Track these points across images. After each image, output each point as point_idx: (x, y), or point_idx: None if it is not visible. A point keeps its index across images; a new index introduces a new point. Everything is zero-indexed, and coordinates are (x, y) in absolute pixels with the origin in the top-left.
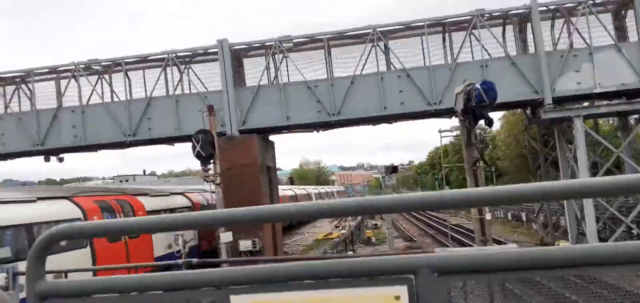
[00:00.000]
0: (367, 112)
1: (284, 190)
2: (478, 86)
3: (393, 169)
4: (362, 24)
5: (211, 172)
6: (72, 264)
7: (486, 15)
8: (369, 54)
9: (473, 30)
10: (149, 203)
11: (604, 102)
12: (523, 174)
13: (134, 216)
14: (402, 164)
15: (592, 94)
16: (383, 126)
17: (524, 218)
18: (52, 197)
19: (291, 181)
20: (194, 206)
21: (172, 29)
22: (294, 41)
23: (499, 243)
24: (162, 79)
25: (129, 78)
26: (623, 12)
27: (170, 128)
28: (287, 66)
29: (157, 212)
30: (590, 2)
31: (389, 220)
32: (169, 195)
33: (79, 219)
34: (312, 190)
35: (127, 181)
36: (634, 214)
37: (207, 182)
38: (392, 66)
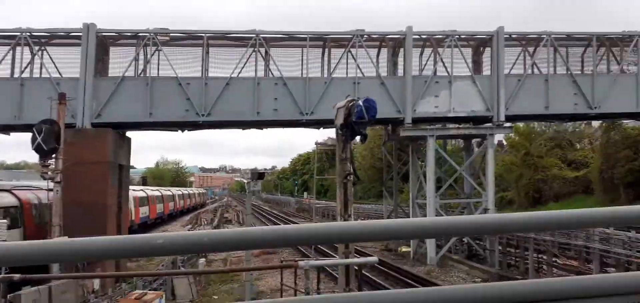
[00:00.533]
0: (239, 116)
1: (135, 191)
2: (361, 102)
3: (259, 175)
4: (243, 28)
5: (52, 168)
6: None
7: (365, 36)
8: (248, 58)
9: (351, 49)
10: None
11: (454, 126)
12: (374, 183)
13: None
14: (266, 169)
15: (445, 117)
16: (250, 130)
17: None
18: None
19: (144, 181)
20: (23, 207)
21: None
22: (172, 34)
23: (361, 253)
24: (8, 58)
25: None
26: (481, 49)
27: (8, 114)
28: (158, 60)
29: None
30: (456, 36)
31: (248, 224)
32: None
33: None
34: (166, 191)
35: None
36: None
37: (45, 179)
38: (270, 73)
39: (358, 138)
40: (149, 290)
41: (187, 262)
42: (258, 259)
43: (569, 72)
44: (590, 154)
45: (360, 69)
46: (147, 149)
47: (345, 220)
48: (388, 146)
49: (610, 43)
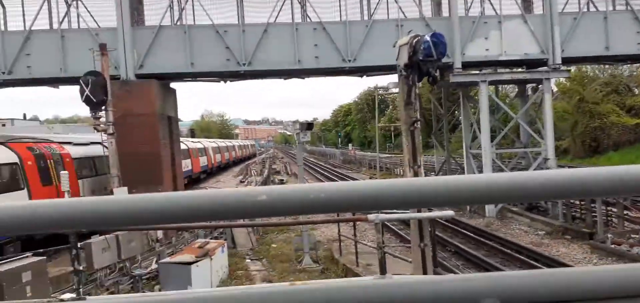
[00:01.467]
0: (280, 65)
1: (194, 143)
2: (427, 38)
3: (308, 125)
4: None
5: (103, 120)
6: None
7: None
8: (284, 3)
9: None
10: (74, 151)
11: (507, 70)
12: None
13: (63, 163)
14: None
15: (496, 61)
16: (292, 81)
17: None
18: None
19: (192, 133)
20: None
21: None
22: None
23: None
24: (44, 10)
25: (3, 5)
26: None
27: (54, 67)
28: (193, 7)
29: (82, 160)
30: None
31: (301, 176)
32: (89, 144)
33: (15, 163)
34: (221, 143)
35: (4, 125)
36: None
37: (98, 131)
38: (307, 18)
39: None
40: (211, 238)
41: None
42: None
43: (629, 8)
44: None
45: (402, 11)
46: (190, 101)
47: (415, 172)
48: (435, 93)
49: None
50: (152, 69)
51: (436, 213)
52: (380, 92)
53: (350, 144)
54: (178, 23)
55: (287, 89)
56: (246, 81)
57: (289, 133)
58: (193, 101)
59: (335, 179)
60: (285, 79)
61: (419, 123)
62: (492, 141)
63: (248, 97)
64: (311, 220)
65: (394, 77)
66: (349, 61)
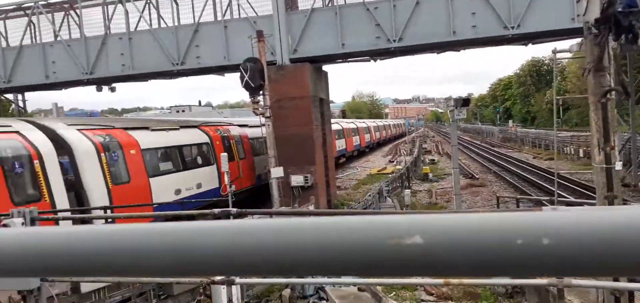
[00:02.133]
0: (433, 38)
1: (348, 124)
2: None
3: (464, 102)
4: None
5: (261, 104)
6: None
7: None
8: None
9: None
10: (250, 132)
11: None
12: (582, 107)
13: (242, 143)
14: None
15: None
16: (443, 56)
17: (581, 154)
18: (187, 126)
19: (343, 114)
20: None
21: None
22: None
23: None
24: (209, 4)
25: (176, 2)
26: None
27: (219, 56)
28: None
29: (254, 140)
30: None
31: (455, 157)
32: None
33: (206, 143)
34: (371, 123)
35: (183, 111)
36: None
37: (256, 114)
38: None
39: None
40: None
41: (392, 193)
42: (466, 192)
43: None
44: None
45: None
46: (342, 83)
47: (606, 154)
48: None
49: None
50: (305, 52)
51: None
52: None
53: (510, 121)
54: (329, 4)
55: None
56: (396, 58)
57: (440, 111)
58: (345, 81)
59: (494, 160)
60: (438, 53)
61: (614, 93)
62: None
63: (398, 75)
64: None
65: (563, 43)
66: (512, 27)
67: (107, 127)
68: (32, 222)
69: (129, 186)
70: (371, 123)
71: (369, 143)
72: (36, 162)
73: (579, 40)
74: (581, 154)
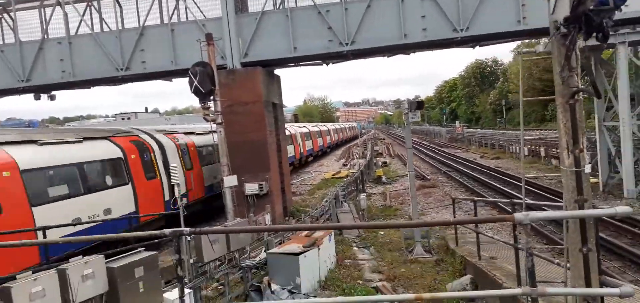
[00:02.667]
0: (384, 41)
1: (300, 128)
2: None
3: (418, 104)
4: None
5: (212, 110)
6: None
7: None
8: None
9: None
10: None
11: None
12: (533, 107)
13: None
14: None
15: (636, 18)
16: (391, 59)
17: (541, 153)
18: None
19: (296, 118)
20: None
21: None
22: None
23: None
24: (155, 6)
25: (120, 5)
26: None
27: (166, 60)
28: None
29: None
30: None
31: (410, 161)
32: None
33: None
34: (323, 127)
35: (129, 119)
36: None
37: (207, 121)
38: None
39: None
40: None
41: (348, 197)
42: (419, 192)
43: None
44: None
45: None
46: (293, 87)
47: (575, 157)
48: (548, 61)
49: None
50: (256, 56)
51: (605, 211)
52: (489, 63)
53: (456, 122)
54: (280, 7)
55: (387, 69)
56: (348, 61)
57: (389, 113)
58: (295, 85)
59: (444, 160)
60: (389, 56)
61: (581, 94)
62: (632, 110)
63: (347, 78)
64: (443, 220)
65: (505, 47)
66: (461, 30)
67: None
68: None
69: None
70: (323, 127)
71: (322, 147)
72: (152, 153)
73: (540, 40)
74: (526, 153)
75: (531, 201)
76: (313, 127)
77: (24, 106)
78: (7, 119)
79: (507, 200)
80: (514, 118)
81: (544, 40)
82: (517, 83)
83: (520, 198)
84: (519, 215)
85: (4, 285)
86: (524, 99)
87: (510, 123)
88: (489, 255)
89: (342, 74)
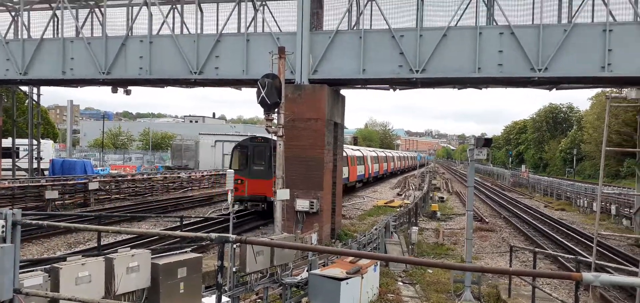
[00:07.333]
0: (457, 72)
1: (353, 151)
2: None
3: (486, 142)
4: None
5: (274, 122)
6: None
7: None
8: (468, 4)
9: None
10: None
11: None
12: (608, 160)
13: None
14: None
15: None
16: (460, 92)
17: (611, 211)
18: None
19: (355, 141)
20: None
21: None
22: None
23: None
24: (234, 15)
25: (201, 10)
26: None
27: (238, 69)
28: (371, 11)
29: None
30: None
31: (470, 200)
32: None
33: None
34: (381, 153)
35: (196, 122)
36: None
37: (269, 133)
38: (493, 21)
39: None
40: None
41: (398, 228)
42: (475, 235)
43: None
44: None
45: (611, 14)
46: (356, 109)
47: None
48: (628, 116)
49: None
50: (324, 74)
51: None
52: (564, 108)
53: (522, 165)
54: (354, 28)
55: (453, 101)
56: (417, 89)
57: (452, 148)
58: (359, 107)
59: (505, 204)
60: (459, 88)
61: None
62: None
63: (411, 106)
64: (499, 268)
65: (582, 93)
66: (539, 69)
67: None
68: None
69: None
70: (381, 153)
71: (377, 173)
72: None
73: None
74: (594, 208)
75: (601, 262)
76: (369, 151)
77: (99, 97)
78: (86, 109)
79: (571, 256)
80: (585, 170)
81: (626, 90)
82: (592, 133)
83: (585, 256)
84: (588, 275)
85: (54, 265)
86: (607, 148)
87: (580, 175)
88: None
89: (407, 102)
